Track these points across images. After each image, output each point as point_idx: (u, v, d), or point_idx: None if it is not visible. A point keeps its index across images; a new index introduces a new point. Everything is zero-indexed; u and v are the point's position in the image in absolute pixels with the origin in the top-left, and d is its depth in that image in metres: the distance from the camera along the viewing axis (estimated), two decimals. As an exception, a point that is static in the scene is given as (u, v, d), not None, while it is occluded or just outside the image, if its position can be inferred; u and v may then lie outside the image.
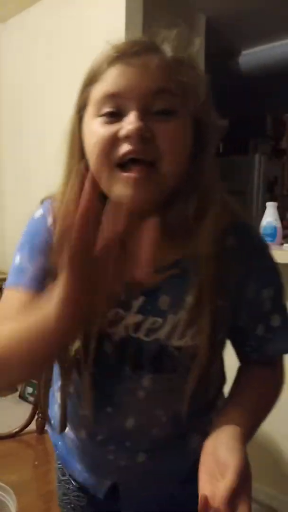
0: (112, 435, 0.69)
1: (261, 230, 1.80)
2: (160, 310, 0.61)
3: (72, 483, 0.81)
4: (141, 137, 0.50)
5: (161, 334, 0.61)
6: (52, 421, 0.79)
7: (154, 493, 0.74)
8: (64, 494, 0.84)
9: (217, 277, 0.58)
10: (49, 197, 0.67)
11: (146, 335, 0.62)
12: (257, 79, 3.38)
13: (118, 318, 0.61)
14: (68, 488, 0.83)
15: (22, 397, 2.60)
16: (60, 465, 0.83)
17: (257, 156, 3.93)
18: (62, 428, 0.72)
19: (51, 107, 2.39)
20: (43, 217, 0.66)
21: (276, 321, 0.65)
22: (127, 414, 0.66)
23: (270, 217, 1.77)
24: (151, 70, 0.51)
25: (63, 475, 0.83)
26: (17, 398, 2.67)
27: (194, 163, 0.56)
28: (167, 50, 0.54)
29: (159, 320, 0.61)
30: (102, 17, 2.17)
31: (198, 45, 0.59)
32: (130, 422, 0.66)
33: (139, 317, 0.61)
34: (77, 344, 0.60)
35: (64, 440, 0.78)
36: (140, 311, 0.61)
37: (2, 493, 0.74)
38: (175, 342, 0.61)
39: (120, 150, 0.51)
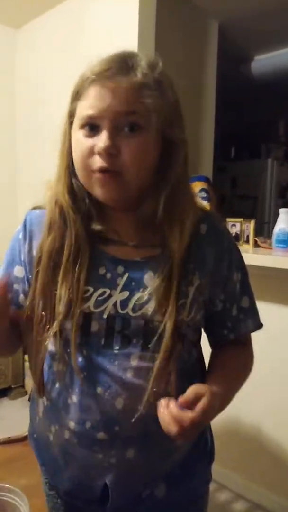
0: (101, 419, 0.69)
1: (274, 237, 1.78)
2: (145, 286, 0.69)
3: (60, 499, 0.82)
4: (109, 153, 0.64)
5: (148, 309, 0.68)
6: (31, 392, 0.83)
7: (144, 497, 0.74)
8: (53, 508, 0.85)
9: (191, 258, 0.70)
10: (34, 207, 0.79)
11: (133, 310, 0.68)
12: (270, 84, 3.36)
13: (106, 297, 0.69)
14: (56, 502, 0.84)
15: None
16: (47, 479, 0.83)
17: (269, 161, 3.91)
18: (41, 392, 0.76)
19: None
20: (18, 231, 0.78)
21: (245, 302, 0.76)
22: (117, 394, 0.68)
23: (283, 223, 1.75)
24: (122, 94, 0.63)
25: (50, 489, 0.84)
26: (27, 401, 2.68)
27: (162, 169, 0.69)
28: (137, 74, 0.64)
29: (144, 295, 0.68)
30: (115, 23, 2.19)
31: (161, 67, 0.70)
32: (119, 402, 0.69)
33: (125, 294, 0.69)
34: (68, 325, 0.68)
35: (49, 450, 0.78)
36: (126, 288, 0.69)
37: (14, 497, 0.74)
38: (161, 316, 0.68)
39: (94, 162, 0.66)
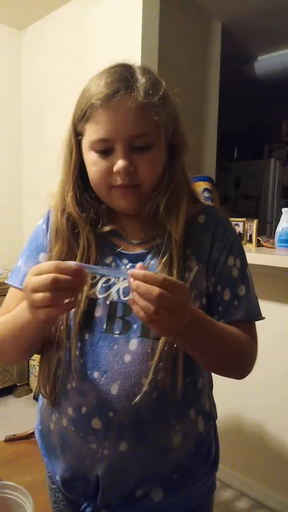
0: (97, 404, 0.71)
1: (277, 236, 1.79)
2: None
3: (61, 492, 0.83)
4: (127, 172, 0.70)
5: None
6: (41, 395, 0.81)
7: (138, 497, 0.74)
8: (55, 502, 0.86)
9: (189, 246, 0.74)
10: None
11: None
12: (273, 85, 3.37)
13: (110, 284, 0.74)
14: (58, 496, 0.85)
15: (36, 398, 2.63)
16: (49, 473, 0.85)
17: (272, 161, 3.91)
18: (52, 399, 0.77)
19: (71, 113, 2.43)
20: (41, 224, 0.83)
21: (242, 290, 0.76)
22: (113, 379, 0.70)
23: (285, 223, 1.76)
24: (132, 117, 0.68)
25: (52, 483, 0.85)
26: (32, 399, 2.70)
27: (168, 172, 0.75)
28: (142, 93, 0.68)
29: None
30: (119, 23, 2.20)
31: (165, 86, 0.74)
32: (114, 388, 0.70)
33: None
34: (72, 311, 0.71)
35: (49, 439, 0.80)
36: None
37: (19, 495, 0.75)
38: None
39: (114, 180, 0.71)
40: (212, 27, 2.59)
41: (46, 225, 0.81)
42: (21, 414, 2.49)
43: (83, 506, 0.77)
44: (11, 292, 0.82)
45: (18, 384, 2.76)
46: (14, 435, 1.63)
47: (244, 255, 0.80)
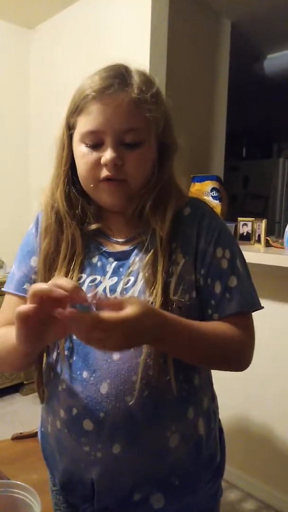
0: (87, 405, 0.70)
1: (286, 236, 1.77)
2: (132, 270, 0.73)
3: (61, 495, 0.83)
4: (115, 164, 0.69)
5: (135, 291, 0.71)
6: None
7: (136, 501, 0.72)
8: (56, 504, 0.86)
9: (174, 239, 0.73)
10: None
11: (121, 294, 0.71)
12: (282, 83, 3.34)
13: (96, 283, 0.73)
14: (58, 499, 0.85)
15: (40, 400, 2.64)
16: (51, 475, 0.84)
17: (281, 160, 3.89)
18: (42, 398, 0.79)
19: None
20: (31, 227, 0.84)
21: (233, 282, 0.74)
22: (102, 378, 0.69)
23: (294, 222, 1.74)
24: (123, 111, 0.68)
25: (54, 485, 0.85)
26: (38, 398, 2.71)
27: (157, 171, 0.74)
28: (135, 90, 0.69)
29: (132, 278, 0.72)
30: (128, 22, 2.19)
31: (158, 83, 0.74)
32: (104, 387, 0.69)
33: (114, 279, 0.73)
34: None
35: (48, 441, 0.81)
36: (115, 274, 0.74)
37: (27, 494, 0.75)
38: (147, 297, 0.69)
39: (101, 173, 0.71)
40: (221, 25, 2.58)
41: (35, 228, 0.82)
42: (28, 412, 2.50)
43: (81, 509, 0.77)
44: (6, 299, 0.82)
45: (25, 382, 2.77)
46: (21, 433, 1.63)
47: (235, 245, 0.78)
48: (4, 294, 0.83)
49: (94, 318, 0.53)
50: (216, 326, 0.72)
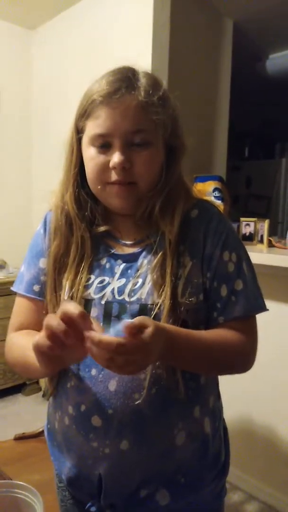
0: (95, 402, 0.71)
1: (288, 236, 1.77)
2: (140, 272, 0.74)
3: (68, 491, 0.83)
4: (123, 167, 0.70)
5: (143, 292, 0.72)
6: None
7: (142, 497, 0.73)
8: (62, 500, 0.87)
9: (182, 242, 0.74)
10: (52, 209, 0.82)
11: (129, 295, 0.72)
12: (284, 83, 3.33)
13: (104, 285, 0.74)
14: (65, 495, 0.85)
15: (45, 397, 2.64)
16: (57, 471, 0.85)
17: (283, 161, 3.88)
18: (50, 394, 0.80)
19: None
20: (40, 228, 0.84)
21: (239, 285, 0.74)
22: (110, 375, 0.70)
23: (297, 222, 1.74)
24: (130, 114, 0.69)
25: (60, 482, 0.85)
26: (41, 398, 2.71)
27: (165, 173, 0.75)
28: (142, 93, 0.69)
29: (140, 280, 0.73)
30: (130, 22, 2.20)
31: (166, 85, 0.75)
32: (112, 385, 0.70)
33: (122, 281, 0.74)
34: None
35: (55, 437, 0.81)
36: (123, 275, 0.75)
37: (29, 495, 0.75)
38: (155, 299, 0.70)
39: (110, 176, 0.72)
40: (223, 25, 2.57)
41: (43, 229, 0.83)
42: (30, 413, 2.50)
43: (87, 505, 0.77)
44: (18, 302, 0.84)
45: (27, 383, 2.77)
46: (23, 433, 1.64)
47: (242, 248, 0.78)
48: (7, 295, 0.84)
49: (116, 343, 0.54)
50: (221, 335, 0.73)
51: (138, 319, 0.58)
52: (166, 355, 0.64)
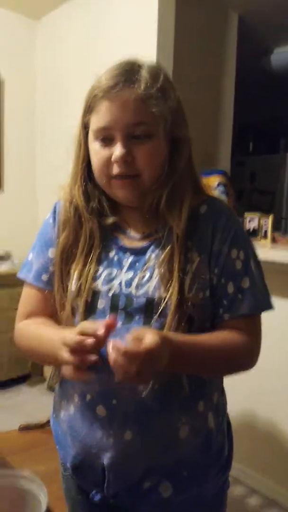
0: (100, 392, 0.73)
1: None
2: (148, 266, 0.75)
3: (72, 479, 0.84)
4: (125, 161, 0.71)
5: (150, 286, 0.73)
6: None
7: (145, 489, 0.74)
8: (66, 489, 0.88)
9: (190, 237, 0.74)
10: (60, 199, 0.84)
11: (136, 288, 0.73)
12: (290, 77, 3.31)
13: (112, 277, 0.75)
14: (69, 484, 0.86)
15: (50, 388, 2.66)
16: (62, 460, 0.86)
17: (288, 156, 3.86)
18: (56, 382, 0.83)
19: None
20: (49, 217, 0.85)
21: (246, 283, 0.74)
22: None
23: (301, 218, 1.74)
24: (130, 107, 0.70)
25: (65, 470, 0.87)
26: (45, 389, 2.73)
27: (170, 165, 0.75)
28: (142, 85, 0.70)
29: (147, 274, 0.74)
30: (134, 13, 2.19)
31: (169, 76, 0.75)
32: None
33: (130, 274, 0.75)
34: (78, 303, 0.74)
35: (60, 426, 0.83)
36: (131, 268, 0.76)
37: (33, 485, 0.76)
38: (162, 293, 0.71)
39: (113, 170, 0.73)
40: (229, 18, 2.55)
41: (53, 218, 0.84)
42: (35, 404, 2.53)
43: (91, 494, 0.79)
44: (26, 291, 0.84)
45: (32, 374, 2.80)
46: (28, 424, 1.66)
47: (250, 246, 0.78)
48: (12, 286, 0.85)
49: (146, 351, 0.57)
50: (225, 339, 0.73)
51: (140, 330, 0.62)
52: (172, 364, 0.64)
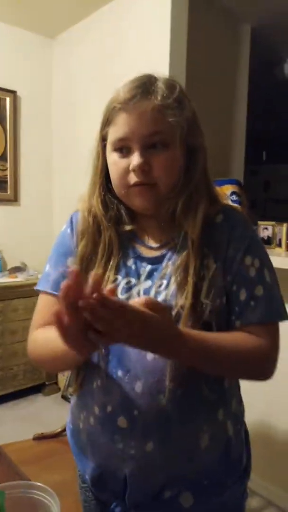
0: (121, 403, 0.73)
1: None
2: (164, 273, 0.76)
3: (91, 491, 0.84)
4: (142, 170, 0.73)
5: (168, 294, 0.73)
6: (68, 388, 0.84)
7: (166, 498, 0.74)
8: (85, 501, 0.88)
9: (206, 244, 0.75)
10: (77, 210, 0.86)
11: (155, 297, 0.73)
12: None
13: (131, 286, 0.76)
14: (88, 495, 0.86)
15: (65, 397, 2.67)
16: (80, 472, 0.86)
17: (302, 164, 3.83)
18: (77, 388, 0.80)
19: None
20: (66, 227, 0.86)
21: (259, 291, 0.74)
22: (136, 377, 0.72)
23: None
24: (147, 118, 0.72)
25: (83, 482, 0.87)
26: (60, 398, 2.74)
27: (186, 174, 0.77)
28: (158, 97, 0.72)
29: (164, 281, 0.75)
30: (147, 28, 2.22)
31: (184, 88, 0.77)
32: (138, 386, 0.71)
33: (148, 283, 0.76)
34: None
35: (79, 437, 0.82)
36: (149, 277, 0.77)
37: (45, 495, 0.76)
38: (180, 301, 0.71)
39: (131, 179, 0.75)
40: (241, 30, 2.58)
41: (70, 228, 0.85)
42: (50, 413, 2.53)
43: (112, 506, 0.78)
44: (43, 300, 0.83)
45: (47, 383, 2.81)
46: (42, 433, 1.66)
47: (266, 257, 0.78)
48: (28, 296, 0.86)
49: (119, 303, 0.54)
50: (237, 337, 0.72)
51: (157, 302, 0.61)
52: (173, 349, 0.63)
